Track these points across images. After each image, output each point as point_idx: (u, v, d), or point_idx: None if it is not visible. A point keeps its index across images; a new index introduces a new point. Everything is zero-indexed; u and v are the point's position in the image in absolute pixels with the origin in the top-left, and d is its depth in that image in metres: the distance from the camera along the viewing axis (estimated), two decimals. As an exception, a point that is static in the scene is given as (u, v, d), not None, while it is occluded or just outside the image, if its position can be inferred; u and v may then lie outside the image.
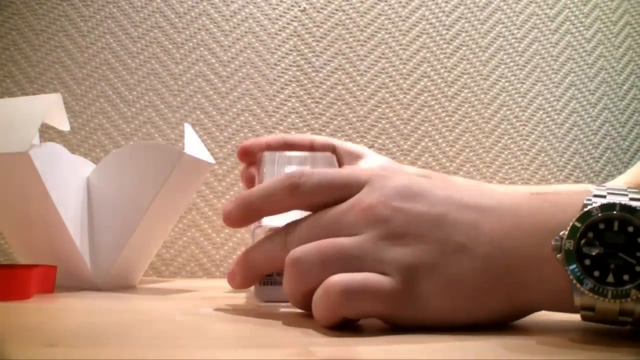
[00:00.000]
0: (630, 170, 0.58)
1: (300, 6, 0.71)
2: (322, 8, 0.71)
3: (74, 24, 0.68)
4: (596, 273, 0.24)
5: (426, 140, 0.71)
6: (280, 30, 0.70)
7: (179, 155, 0.43)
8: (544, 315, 0.28)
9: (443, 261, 0.27)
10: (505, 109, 0.74)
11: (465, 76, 0.73)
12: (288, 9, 0.71)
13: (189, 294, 0.44)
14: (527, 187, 0.28)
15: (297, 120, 0.69)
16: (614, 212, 0.24)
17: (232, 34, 0.69)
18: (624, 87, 0.79)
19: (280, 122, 0.68)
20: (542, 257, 0.26)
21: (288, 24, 0.70)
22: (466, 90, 0.73)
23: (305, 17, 0.71)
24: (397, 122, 0.71)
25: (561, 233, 0.25)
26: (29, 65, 0.67)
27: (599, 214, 0.25)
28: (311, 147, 0.48)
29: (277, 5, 0.70)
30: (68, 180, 0.44)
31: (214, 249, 0.65)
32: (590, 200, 0.25)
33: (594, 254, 0.24)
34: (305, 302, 0.28)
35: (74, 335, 0.25)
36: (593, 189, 0.26)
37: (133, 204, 0.44)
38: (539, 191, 0.29)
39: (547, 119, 0.75)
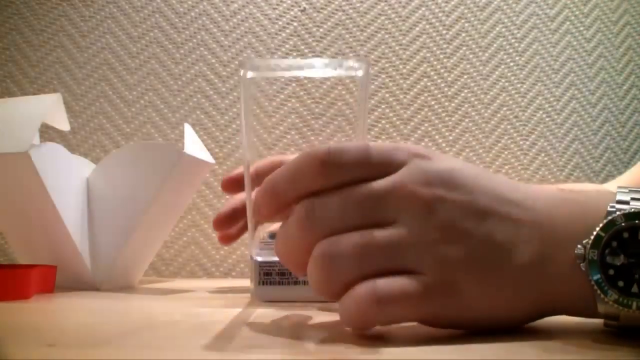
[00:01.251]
0: (630, 170, 0.58)
1: (300, 6, 0.71)
2: (322, 8, 0.71)
3: (74, 24, 0.68)
4: (620, 283, 0.24)
5: (426, 140, 0.71)
6: (280, 30, 0.70)
7: (178, 155, 0.43)
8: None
9: (485, 259, 0.25)
10: (505, 109, 0.74)
11: (465, 76, 0.73)
12: (288, 9, 0.71)
13: (189, 294, 0.44)
14: (554, 186, 0.28)
15: (297, 120, 0.69)
16: (637, 222, 0.24)
17: (232, 34, 0.69)
18: (624, 87, 0.79)
19: (281, 122, 0.68)
20: (569, 263, 0.25)
21: (288, 24, 0.70)
22: (466, 90, 0.73)
23: (305, 17, 0.71)
24: (397, 122, 0.71)
25: (584, 241, 0.25)
26: (29, 65, 0.67)
27: (623, 223, 0.25)
28: None
29: (277, 5, 0.70)
30: (68, 180, 0.44)
31: (214, 249, 0.65)
32: (613, 207, 0.25)
33: (618, 264, 0.24)
34: (333, 298, 0.25)
35: (74, 335, 0.25)
36: (616, 190, 0.26)
37: (133, 203, 0.44)
38: (567, 189, 0.28)
39: (547, 119, 0.75)
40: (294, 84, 0.69)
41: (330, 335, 0.25)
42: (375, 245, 0.25)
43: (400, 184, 0.25)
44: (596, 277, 0.24)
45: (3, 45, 0.67)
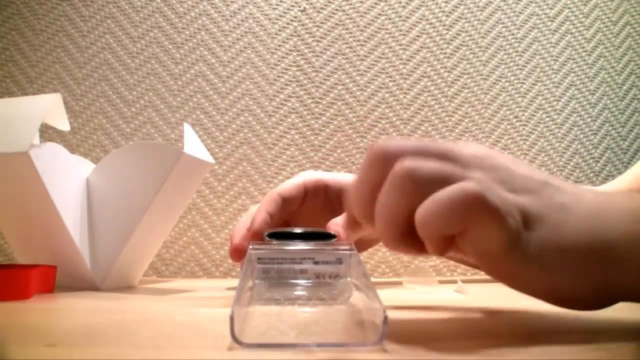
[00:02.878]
0: (631, 170, 0.58)
1: (300, 6, 0.71)
2: (322, 8, 0.71)
3: (74, 24, 0.68)
4: None
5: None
6: (280, 30, 0.70)
7: (178, 155, 0.43)
8: (537, 314, 0.28)
9: (549, 213, 0.25)
10: (505, 109, 0.74)
11: (465, 76, 0.73)
12: (288, 9, 0.71)
13: (189, 294, 0.44)
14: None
15: (297, 120, 0.69)
16: None
17: (232, 34, 0.69)
18: (624, 87, 0.79)
19: (280, 122, 0.68)
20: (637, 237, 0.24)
21: (288, 24, 0.70)
22: (466, 90, 0.73)
23: (305, 17, 0.71)
24: (397, 122, 0.71)
25: None
26: (29, 65, 0.67)
27: None
28: (304, 197, 0.45)
29: (277, 5, 0.70)
30: (68, 180, 0.44)
31: (214, 249, 0.65)
32: None
33: None
34: (405, 223, 0.25)
35: (74, 335, 0.25)
36: None
37: (133, 203, 0.44)
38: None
39: (547, 119, 0.75)
40: (294, 84, 0.69)
41: (331, 334, 0.25)
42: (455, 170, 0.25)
43: (466, 183, 0.25)
44: None
45: (3, 45, 0.67)
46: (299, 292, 0.33)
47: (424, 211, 0.24)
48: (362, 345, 0.22)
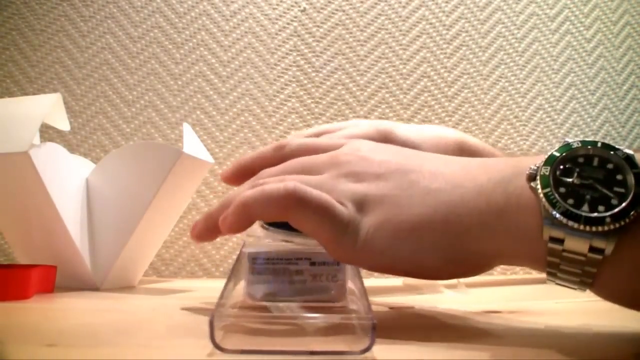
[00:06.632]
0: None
1: (300, 6, 0.71)
2: (322, 8, 0.71)
3: (74, 24, 0.68)
4: (570, 201, 0.23)
5: (426, 140, 0.71)
6: (280, 30, 0.70)
7: (177, 155, 0.43)
8: (537, 315, 0.28)
9: (394, 194, 0.27)
10: (505, 109, 0.74)
11: (465, 76, 0.73)
12: (288, 9, 0.71)
13: (189, 294, 0.44)
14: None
15: (297, 120, 0.69)
16: (596, 147, 0.24)
17: (232, 34, 0.69)
18: (624, 87, 0.79)
19: (280, 122, 0.68)
20: (507, 201, 0.24)
21: (288, 24, 0.70)
22: (466, 90, 0.73)
23: (305, 17, 0.71)
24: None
25: (538, 163, 0.24)
26: (29, 65, 0.67)
27: (579, 147, 0.24)
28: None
29: (277, 5, 0.70)
30: (68, 180, 0.44)
31: (214, 249, 0.65)
32: (567, 140, 0.25)
33: (570, 181, 0.23)
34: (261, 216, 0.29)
35: (73, 335, 0.25)
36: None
37: (132, 203, 0.44)
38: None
39: (547, 119, 0.75)
40: (294, 84, 0.69)
41: (330, 334, 0.25)
42: (299, 179, 0.29)
43: (329, 152, 0.31)
44: (546, 190, 0.23)
45: (3, 45, 0.67)
46: (293, 295, 0.33)
47: (250, 193, 0.28)
48: (350, 354, 0.22)
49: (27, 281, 0.37)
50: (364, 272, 0.30)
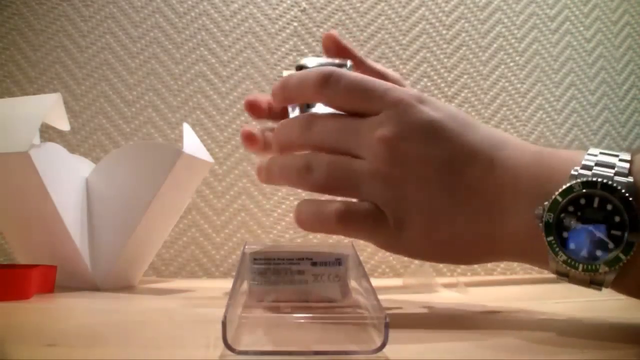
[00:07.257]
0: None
1: (300, 6, 0.71)
2: (322, 8, 0.71)
3: (74, 24, 0.68)
4: (572, 246, 0.26)
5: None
6: (280, 30, 0.70)
7: (177, 154, 0.43)
8: (537, 314, 0.28)
9: (433, 197, 0.29)
10: (505, 109, 0.74)
11: (465, 76, 0.73)
12: (288, 9, 0.71)
13: (189, 294, 0.44)
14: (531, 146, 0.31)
15: (297, 120, 0.68)
16: (595, 190, 0.25)
17: (232, 34, 0.69)
18: (624, 87, 0.79)
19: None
20: (528, 219, 0.27)
21: (288, 24, 0.70)
22: (466, 90, 0.73)
23: (305, 17, 0.71)
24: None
25: (545, 203, 0.26)
26: (29, 65, 0.67)
27: (581, 190, 0.26)
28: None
29: (277, 5, 0.70)
30: (68, 180, 0.44)
31: (214, 249, 0.65)
32: (577, 171, 0.26)
33: (572, 228, 0.26)
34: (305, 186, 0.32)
35: (73, 335, 0.25)
36: (585, 156, 0.27)
37: (132, 203, 0.44)
38: (546, 151, 0.30)
39: (547, 119, 0.75)
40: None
41: (330, 334, 0.25)
42: (347, 166, 0.31)
43: (377, 127, 0.30)
44: (550, 238, 0.26)
45: (3, 45, 0.67)
46: (295, 295, 0.33)
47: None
48: (364, 353, 0.22)
49: (27, 281, 0.37)
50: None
